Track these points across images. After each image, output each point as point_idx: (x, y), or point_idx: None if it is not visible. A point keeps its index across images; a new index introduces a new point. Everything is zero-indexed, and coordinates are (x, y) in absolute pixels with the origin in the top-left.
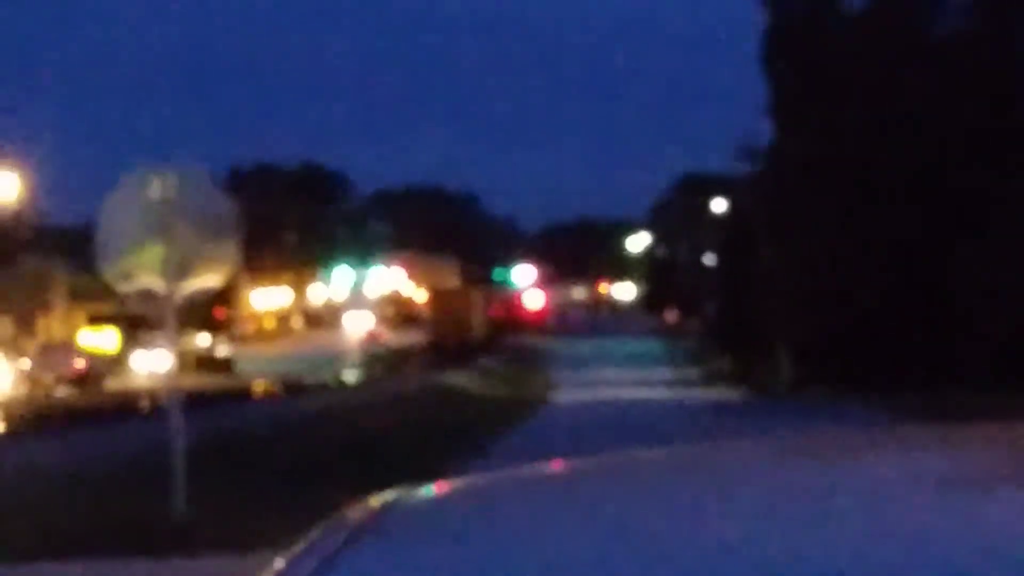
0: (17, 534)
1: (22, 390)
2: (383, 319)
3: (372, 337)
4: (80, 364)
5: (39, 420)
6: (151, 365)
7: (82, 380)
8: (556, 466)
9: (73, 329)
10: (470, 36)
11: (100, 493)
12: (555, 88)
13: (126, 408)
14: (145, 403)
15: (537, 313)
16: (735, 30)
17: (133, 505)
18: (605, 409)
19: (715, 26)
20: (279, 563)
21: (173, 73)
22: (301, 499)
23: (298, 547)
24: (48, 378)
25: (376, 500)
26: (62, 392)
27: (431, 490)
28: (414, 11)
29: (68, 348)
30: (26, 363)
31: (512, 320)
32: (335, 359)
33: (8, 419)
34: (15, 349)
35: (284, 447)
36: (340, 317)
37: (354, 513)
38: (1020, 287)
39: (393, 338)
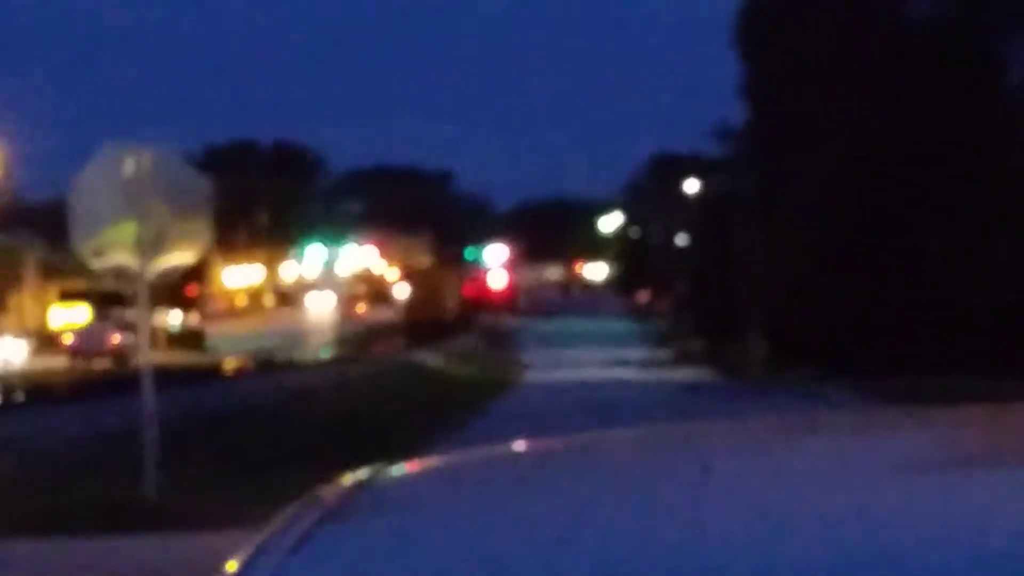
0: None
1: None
2: (357, 296)
3: (350, 313)
4: (116, 339)
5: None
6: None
7: (117, 353)
8: (527, 445)
9: (45, 305)
10: (444, 16)
11: (76, 470)
12: (528, 67)
13: (106, 383)
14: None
15: (504, 292)
16: (708, 9)
17: (106, 483)
18: (576, 389)
19: (688, 4)
20: (253, 541)
21: (149, 49)
22: (273, 478)
23: (272, 525)
24: (88, 353)
25: (349, 479)
26: (100, 365)
27: (403, 469)
28: None
29: (105, 326)
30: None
31: (481, 300)
32: (306, 337)
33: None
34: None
35: (256, 426)
36: (311, 295)
37: (328, 492)
38: (998, 270)
39: (370, 314)
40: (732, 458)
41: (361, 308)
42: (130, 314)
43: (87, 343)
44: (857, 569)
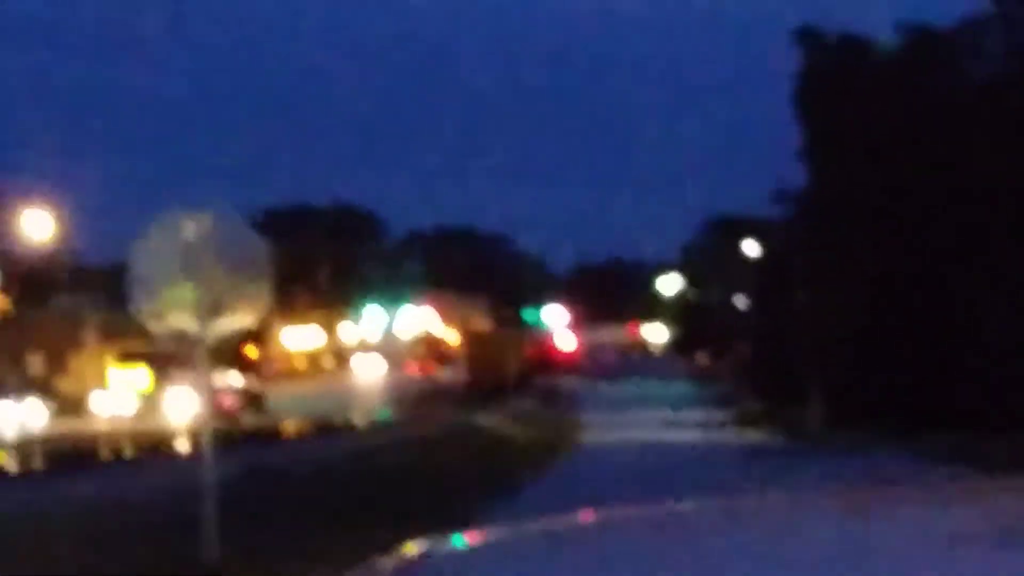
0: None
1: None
2: (416, 358)
3: (409, 374)
4: (231, 401)
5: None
6: (183, 403)
7: (231, 415)
8: (586, 517)
9: (103, 367)
10: (504, 77)
11: (137, 535)
12: (586, 128)
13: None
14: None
15: (569, 355)
16: (767, 72)
17: (167, 547)
18: (635, 451)
19: (747, 68)
20: None
21: (210, 113)
22: (332, 542)
23: None
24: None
25: (408, 550)
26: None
27: (461, 540)
28: (446, 53)
29: (226, 387)
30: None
31: (544, 361)
32: (365, 398)
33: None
34: (47, 386)
35: (315, 489)
36: (367, 356)
37: (387, 563)
38: None
39: (430, 375)
40: (803, 532)
41: (420, 369)
42: (193, 376)
43: (219, 401)
44: None
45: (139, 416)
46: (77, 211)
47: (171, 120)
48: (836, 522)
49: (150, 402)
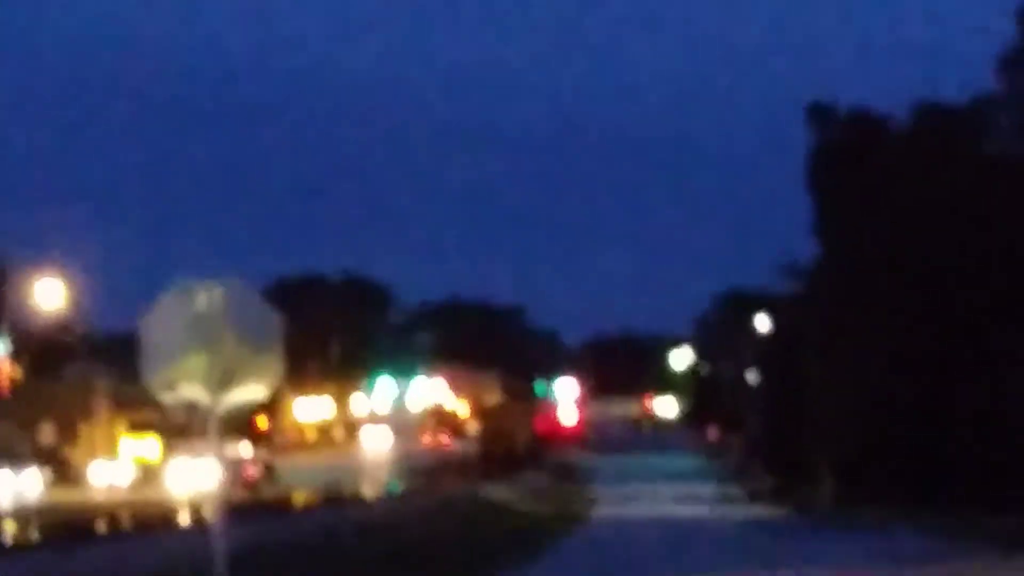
0: None
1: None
2: (427, 430)
3: (420, 446)
4: (253, 472)
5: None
6: (193, 475)
7: (253, 485)
8: None
9: (115, 436)
10: (514, 151)
11: None
12: (599, 202)
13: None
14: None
15: (574, 428)
16: (779, 148)
17: None
18: (646, 526)
19: (761, 143)
20: None
21: (223, 184)
22: None
23: None
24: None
25: None
26: (237, 495)
27: None
28: (458, 128)
29: (249, 459)
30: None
31: (555, 435)
32: (375, 470)
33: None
34: (55, 456)
35: (323, 562)
36: (378, 428)
37: None
38: None
39: (440, 447)
40: None
41: (431, 441)
42: (201, 447)
43: (235, 474)
44: None
45: (143, 487)
46: (89, 280)
47: (184, 190)
48: None
49: (154, 473)
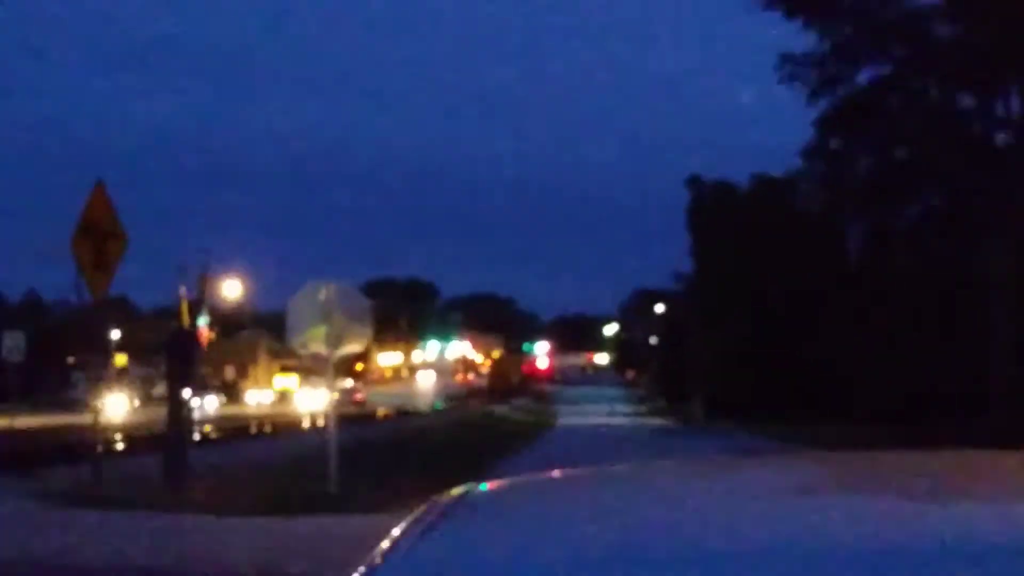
0: (235, 497)
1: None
2: (457, 371)
3: (462, 380)
4: (361, 395)
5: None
6: (315, 398)
7: (361, 403)
8: (561, 473)
9: (271, 375)
10: (513, 200)
11: (292, 472)
12: (564, 230)
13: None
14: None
15: (548, 371)
16: (671, 203)
17: (305, 482)
18: (589, 428)
19: (660, 199)
20: (395, 531)
21: (336, 223)
22: (406, 481)
23: (407, 520)
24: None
25: (453, 492)
26: (348, 409)
27: (486, 486)
28: (464, 179)
29: (355, 387)
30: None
31: (534, 375)
32: (426, 396)
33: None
34: (233, 386)
35: (395, 449)
36: (427, 372)
37: (440, 499)
38: (857, 358)
39: (466, 382)
40: (707, 479)
41: (461, 379)
42: (321, 381)
43: (346, 397)
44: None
45: (282, 405)
46: (255, 279)
47: (313, 226)
48: (708, 476)
49: (290, 397)
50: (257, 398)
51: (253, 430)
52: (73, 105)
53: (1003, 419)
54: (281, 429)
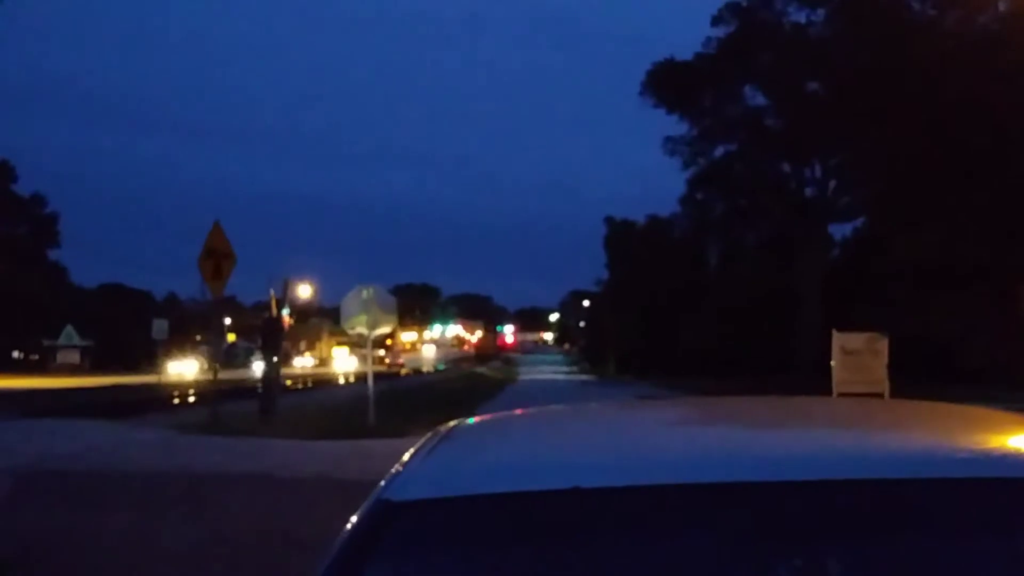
0: (306, 428)
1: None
2: (453, 345)
3: (464, 350)
4: (401, 360)
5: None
6: (354, 363)
7: (400, 365)
8: (530, 410)
9: (330, 347)
10: (489, 229)
11: (341, 411)
12: (525, 250)
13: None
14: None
15: (513, 344)
16: (594, 232)
17: (351, 417)
18: (540, 382)
19: (589, 230)
20: (405, 456)
21: (371, 246)
22: (421, 416)
23: (418, 443)
24: (390, 362)
25: (449, 424)
26: (395, 369)
27: (472, 420)
28: (461, 211)
29: (398, 351)
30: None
31: (504, 347)
32: (432, 361)
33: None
34: (310, 356)
35: (413, 395)
36: (432, 346)
37: (441, 428)
38: (707, 338)
39: (458, 352)
40: (641, 412)
41: (454, 349)
42: (363, 351)
43: (393, 359)
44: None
45: (327, 367)
46: (321, 282)
47: (360, 249)
48: (622, 410)
49: (330, 361)
50: (303, 362)
51: (311, 383)
52: (200, 168)
53: (804, 378)
54: (330, 383)
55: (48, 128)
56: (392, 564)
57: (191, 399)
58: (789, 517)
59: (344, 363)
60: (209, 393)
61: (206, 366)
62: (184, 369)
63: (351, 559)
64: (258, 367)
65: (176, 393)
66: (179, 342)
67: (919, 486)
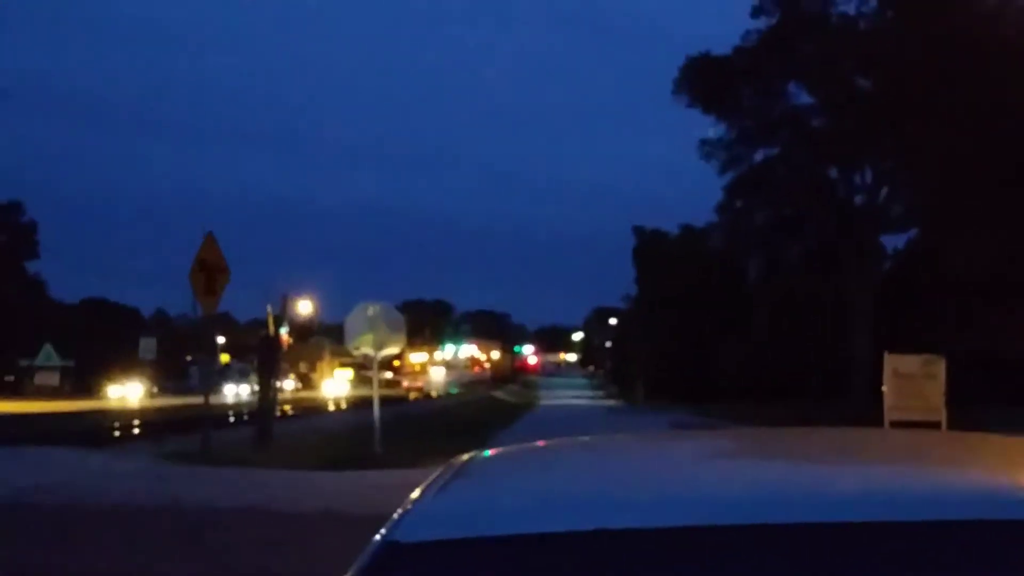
0: (306, 456)
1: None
2: (467, 367)
3: (479, 372)
4: (420, 383)
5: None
6: (337, 384)
7: (420, 390)
8: (548, 442)
9: (332, 368)
10: (508, 241)
11: (343, 439)
12: (545, 264)
13: (357, 405)
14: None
15: (534, 366)
16: (623, 243)
17: (355, 446)
18: (562, 407)
19: (615, 241)
20: (415, 493)
21: (374, 262)
22: (433, 445)
23: (430, 478)
24: (408, 386)
25: (463, 456)
26: (414, 395)
27: (488, 452)
28: (475, 228)
29: (416, 374)
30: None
31: (523, 369)
32: (444, 384)
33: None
34: (305, 376)
35: (423, 421)
36: (441, 368)
37: (455, 462)
38: (747, 360)
39: (472, 374)
40: (675, 443)
41: (473, 371)
42: (370, 372)
43: (411, 383)
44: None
45: (311, 390)
46: (322, 299)
47: (362, 255)
48: (654, 443)
49: (316, 383)
50: (330, 387)
51: (319, 407)
52: (195, 172)
53: (855, 404)
54: (345, 407)
55: (25, 131)
56: None
57: (191, 423)
58: (837, 563)
59: (335, 387)
60: (201, 418)
61: (152, 389)
62: (127, 393)
63: None
64: (230, 391)
65: (122, 422)
66: (167, 362)
67: (975, 529)
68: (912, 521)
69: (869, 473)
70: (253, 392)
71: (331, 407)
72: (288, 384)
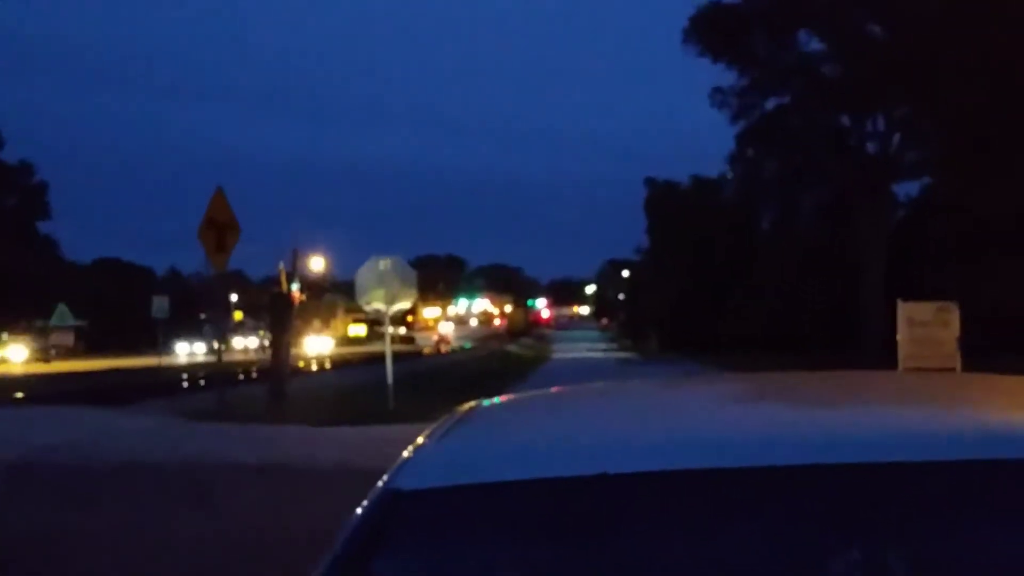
0: (320, 412)
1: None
2: (481, 321)
3: (493, 327)
4: (445, 341)
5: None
6: (328, 345)
7: (448, 343)
8: (555, 389)
9: (346, 324)
10: (520, 194)
11: (360, 394)
12: (558, 217)
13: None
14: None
15: (547, 320)
16: (634, 195)
17: (371, 400)
18: (576, 360)
19: (626, 192)
20: (421, 437)
21: (391, 218)
22: (444, 398)
23: (434, 425)
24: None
25: (465, 405)
26: (429, 350)
27: (494, 400)
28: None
29: (443, 332)
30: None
31: (536, 322)
32: (458, 339)
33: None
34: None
35: (435, 376)
36: (463, 321)
37: (459, 410)
38: (760, 311)
39: (486, 328)
40: (680, 388)
41: (482, 325)
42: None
43: (436, 343)
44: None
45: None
46: (335, 255)
47: (377, 210)
48: (659, 389)
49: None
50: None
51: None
52: (200, 133)
53: (869, 354)
54: (358, 361)
55: (36, 91)
56: (401, 558)
57: (206, 381)
58: (845, 504)
59: (318, 345)
60: (215, 375)
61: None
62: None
63: (357, 553)
64: (238, 343)
65: (174, 378)
66: (182, 321)
67: (992, 467)
68: (929, 461)
69: (879, 412)
70: (262, 347)
71: (314, 367)
72: (251, 342)
